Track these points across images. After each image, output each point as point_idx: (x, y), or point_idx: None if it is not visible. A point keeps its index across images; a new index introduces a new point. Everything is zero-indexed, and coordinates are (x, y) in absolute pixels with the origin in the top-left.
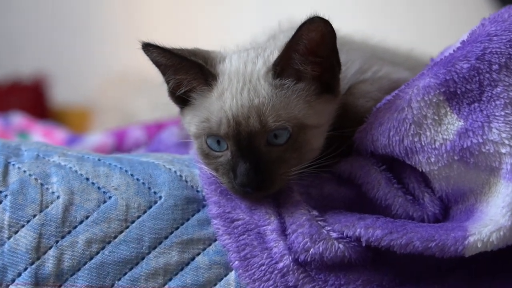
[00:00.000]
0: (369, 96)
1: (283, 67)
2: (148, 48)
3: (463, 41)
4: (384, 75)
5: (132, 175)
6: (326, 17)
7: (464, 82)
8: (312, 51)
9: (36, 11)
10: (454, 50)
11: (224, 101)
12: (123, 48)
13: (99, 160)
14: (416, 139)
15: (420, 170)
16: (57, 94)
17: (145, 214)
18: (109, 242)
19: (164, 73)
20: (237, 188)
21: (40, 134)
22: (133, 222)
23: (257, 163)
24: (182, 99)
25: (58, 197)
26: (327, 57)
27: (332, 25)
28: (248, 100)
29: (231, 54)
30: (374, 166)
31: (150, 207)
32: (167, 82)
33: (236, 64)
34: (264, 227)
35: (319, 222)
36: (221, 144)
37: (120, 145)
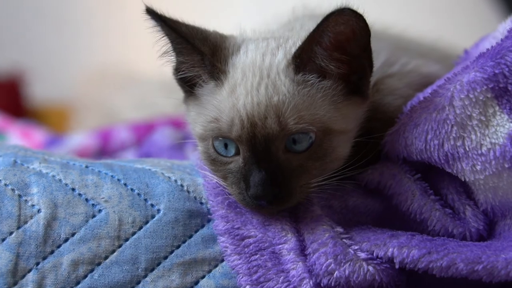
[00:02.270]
0: (398, 93)
1: (305, 60)
2: (150, 15)
3: (511, 28)
4: (413, 68)
5: (125, 184)
6: (360, 10)
7: None
8: (338, 46)
9: (11, 2)
10: (502, 40)
11: (237, 98)
12: (106, 41)
13: (86, 167)
14: (459, 144)
15: (463, 179)
16: (35, 91)
17: (141, 230)
18: (99, 264)
19: (172, 45)
20: (249, 201)
21: (17, 135)
22: (127, 240)
23: (274, 172)
24: (186, 84)
25: (39, 210)
26: (357, 56)
27: (366, 20)
28: (266, 98)
29: (247, 43)
30: (407, 174)
31: (146, 222)
32: (175, 57)
33: (253, 56)
34: (280, 246)
35: (344, 240)
36: (231, 149)
37: (104, 146)
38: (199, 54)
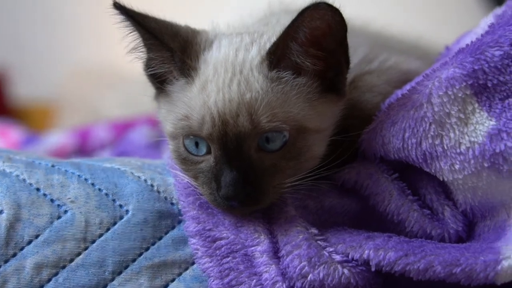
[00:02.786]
0: (376, 90)
1: (280, 57)
2: (118, 10)
3: (492, 24)
4: (393, 65)
5: (93, 184)
6: (336, 4)
7: (496, 73)
8: (314, 42)
9: None
10: (482, 35)
11: (208, 95)
12: (90, 39)
13: (52, 166)
14: (437, 142)
15: (441, 179)
16: (18, 89)
17: (109, 232)
18: (63, 267)
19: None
20: (220, 201)
21: None
22: (93, 242)
23: (246, 172)
24: (157, 79)
25: (1, 211)
26: (332, 51)
27: (343, 14)
28: (238, 95)
29: (221, 37)
30: (385, 174)
31: (114, 224)
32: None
33: (226, 51)
34: (253, 248)
35: (319, 242)
36: (202, 147)
37: (83, 146)
38: (168, 51)
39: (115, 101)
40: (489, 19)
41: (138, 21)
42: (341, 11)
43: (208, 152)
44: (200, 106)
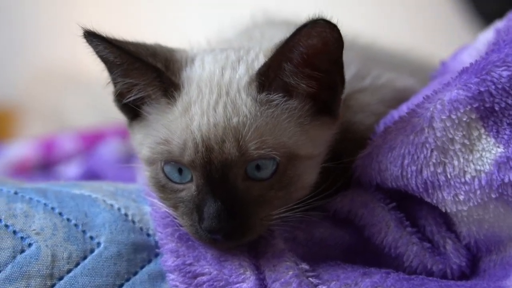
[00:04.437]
0: (369, 110)
1: (271, 78)
2: (91, 38)
3: (498, 42)
4: (386, 82)
5: (60, 214)
6: (333, 20)
7: (504, 95)
8: (309, 62)
9: None
10: (487, 53)
11: (191, 117)
12: (54, 39)
13: (15, 193)
14: (439, 170)
15: (443, 210)
16: None
17: (78, 267)
18: None
19: (110, 71)
20: (202, 234)
21: None
22: (61, 278)
23: (231, 203)
24: (131, 108)
25: None
26: (327, 71)
27: (340, 31)
28: (224, 119)
29: (203, 55)
30: (381, 203)
31: (84, 258)
32: (114, 83)
33: (210, 69)
34: (238, 285)
35: (310, 279)
36: (183, 174)
37: (47, 157)
38: (154, 71)
39: (81, 104)
40: (490, 35)
41: (119, 47)
42: (338, 27)
43: (190, 180)
44: (182, 130)
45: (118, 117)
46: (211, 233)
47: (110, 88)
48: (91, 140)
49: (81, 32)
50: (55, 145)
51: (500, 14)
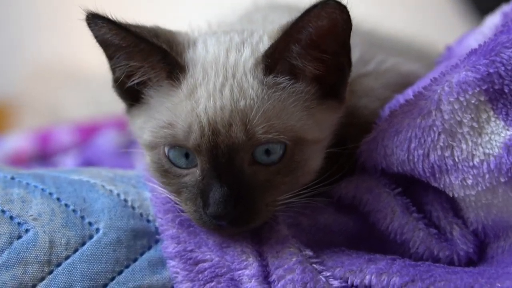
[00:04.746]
0: (374, 95)
1: (277, 60)
2: (95, 21)
3: (506, 23)
4: (391, 67)
5: (58, 199)
6: (344, 1)
7: None
8: (317, 44)
9: None
10: (495, 34)
11: (197, 100)
12: (52, 34)
13: (12, 178)
14: (447, 154)
15: (451, 195)
16: None
17: (76, 253)
18: None
19: (111, 56)
20: (206, 220)
21: None
22: (59, 265)
23: (237, 188)
24: (131, 93)
25: None
26: (335, 53)
27: (349, 12)
28: (231, 102)
29: (205, 37)
30: (386, 188)
31: (83, 244)
32: (113, 69)
33: (215, 51)
34: (240, 272)
35: (314, 265)
36: (188, 159)
37: (43, 150)
38: (159, 53)
39: (78, 100)
40: (497, 18)
41: (124, 27)
42: (348, 8)
43: (194, 164)
44: (187, 113)
45: (113, 110)
46: (216, 219)
47: (107, 84)
48: (88, 132)
49: (83, 15)
50: (51, 137)
51: None
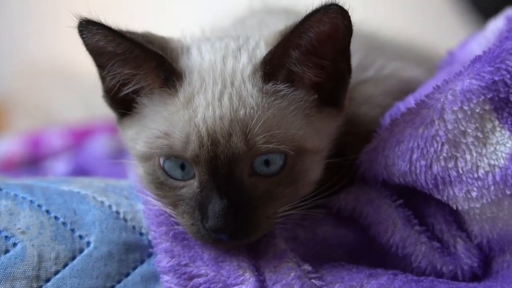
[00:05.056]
0: (374, 102)
1: (276, 66)
2: (89, 27)
3: (511, 28)
4: (391, 73)
5: (47, 211)
6: (346, 6)
7: None
8: (317, 50)
9: None
10: (500, 41)
11: (195, 109)
12: (43, 33)
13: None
14: (450, 165)
15: (454, 207)
16: None
17: (66, 268)
18: None
19: (104, 64)
20: (205, 234)
21: None
22: (48, 280)
23: (237, 200)
24: (122, 103)
25: None
26: (335, 60)
27: (351, 18)
28: (231, 111)
29: (199, 43)
30: (387, 200)
31: (73, 258)
32: (104, 78)
33: (211, 58)
34: (236, 287)
35: (313, 280)
36: (184, 170)
37: (34, 154)
38: (154, 60)
39: (70, 101)
40: (501, 23)
41: (120, 33)
42: (349, 13)
43: (192, 176)
44: (185, 123)
45: (106, 112)
46: (216, 233)
47: (100, 86)
48: (80, 136)
49: (77, 22)
50: (42, 141)
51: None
